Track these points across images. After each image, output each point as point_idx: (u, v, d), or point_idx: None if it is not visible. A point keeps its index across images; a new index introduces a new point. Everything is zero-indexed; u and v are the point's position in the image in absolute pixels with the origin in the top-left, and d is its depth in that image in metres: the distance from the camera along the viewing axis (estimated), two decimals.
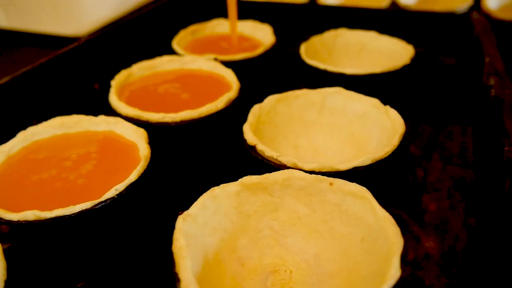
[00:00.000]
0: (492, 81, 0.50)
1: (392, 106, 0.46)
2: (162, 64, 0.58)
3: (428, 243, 0.38)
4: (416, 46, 0.65)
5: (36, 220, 0.34)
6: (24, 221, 0.34)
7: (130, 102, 0.51)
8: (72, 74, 0.65)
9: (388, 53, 0.63)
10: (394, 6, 0.98)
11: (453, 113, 0.57)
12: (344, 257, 0.33)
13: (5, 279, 0.30)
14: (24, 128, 0.45)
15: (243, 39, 0.70)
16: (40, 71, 0.60)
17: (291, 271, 0.34)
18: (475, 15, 0.73)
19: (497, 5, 0.93)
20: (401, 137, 0.41)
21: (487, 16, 0.87)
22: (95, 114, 0.48)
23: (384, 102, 0.48)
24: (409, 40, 0.71)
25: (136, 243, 0.39)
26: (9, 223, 0.35)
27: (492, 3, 0.91)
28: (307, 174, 0.36)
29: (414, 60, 0.58)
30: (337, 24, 0.73)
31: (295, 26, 0.86)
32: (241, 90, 0.53)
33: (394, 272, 0.27)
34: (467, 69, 0.67)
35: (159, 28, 0.81)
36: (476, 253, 0.37)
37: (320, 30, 0.69)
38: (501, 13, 0.88)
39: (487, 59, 0.55)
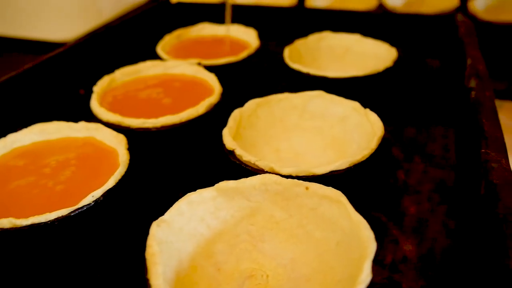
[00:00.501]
0: (472, 83, 0.50)
1: (375, 109, 0.46)
2: (145, 69, 0.58)
3: (406, 246, 0.39)
4: (402, 48, 0.65)
5: (11, 228, 0.34)
6: (0, 228, 0.34)
7: (112, 107, 0.51)
8: (58, 80, 0.64)
9: (373, 56, 0.63)
10: (381, 8, 0.98)
11: (437, 115, 0.58)
12: (320, 261, 0.33)
13: None
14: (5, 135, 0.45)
15: (232, 42, 0.70)
16: (25, 76, 0.59)
17: (267, 276, 0.34)
18: (459, 17, 0.73)
19: (483, 7, 0.93)
20: (380, 140, 0.41)
21: (473, 18, 0.87)
22: (80, 119, 0.48)
23: (368, 104, 0.48)
24: (395, 42, 0.72)
25: (113, 250, 0.39)
26: None
27: (479, 4, 0.92)
28: (284, 179, 0.36)
29: (398, 62, 0.59)
30: (324, 27, 0.73)
31: (284, 30, 0.86)
32: (224, 95, 0.53)
33: (365, 276, 0.27)
34: (451, 71, 0.67)
35: (146, 33, 0.81)
36: (454, 256, 0.37)
37: (308, 33, 0.69)
38: (487, 14, 0.89)
39: (469, 61, 0.55)
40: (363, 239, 0.30)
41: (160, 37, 0.72)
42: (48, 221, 0.34)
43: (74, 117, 0.50)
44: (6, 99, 0.56)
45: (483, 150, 0.38)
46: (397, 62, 0.59)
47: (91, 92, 0.54)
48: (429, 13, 0.91)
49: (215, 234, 0.35)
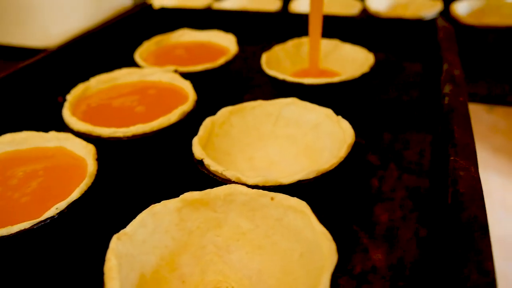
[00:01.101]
0: (447, 89, 0.50)
1: (352, 115, 0.46)
2: (121, 76, 0.58)
3: (376, 255, 0.38)
4: (385, 52, 0.65)
5: None
6: None
7: (85, 116, 0.51)
8: (37, 87, 0.64)
9: (351, 61, 0.63)
10: (365, 13, 0.98)
11: (415, 121, 0.57)
12: (284, 272, 0.33)
13: None
14: None
15: (212, 48, 0.70)
16: (3, 83, 0.59)
17: (232, 287, 0.34)
18: (440, 21, 0.73)
19: (466, 11, 0.93)
20: (350, 148, 0.41)
21: (455, 22, 0.87)
22: (55, 128, 0.48)
23: (345, 110, 0.48)
24: (378, 47, 0.72)
25: (76, 263, 0.39)
26: None
27: (461, 9, 0.92)
28: (250, 189, 0.35)
29: (379, 66, 0.58)
30: (307, 32, 0.73)
31: (267, 35, 0.86)
32: (200, 102, 0.52)
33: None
34: (431, 75, 0.67)
35: (128, 38, 0.81)
36: (424, 266, 0.37)
37: (291, 38, 0.69)
38: (470, 18, 0.89)
39: (445, 66, 0.55)
40: (324, 250, 0.30)
41: (141, 42, 0.71)
42: (11, 234, 0.34)
43: (49, 126, 0.49)
44: None
45: (452, 158, 0.38)
46: (378, 67, 0.58)
47: None
48: (412, 17, 0.91)
49: (180, 246, 0.35)
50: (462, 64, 0.56)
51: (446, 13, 0.94)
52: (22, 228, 0.34)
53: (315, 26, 0.59)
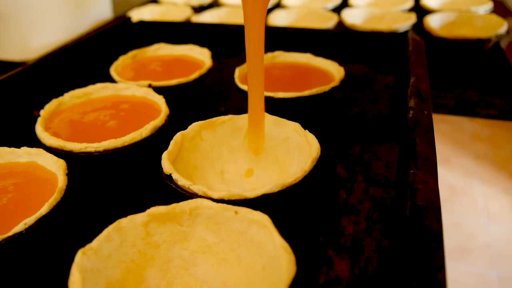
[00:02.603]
0: (412, 103, 0.51)
1: (322, 128, 0.47)
2: (95, 91, 0.59)
3: (339, 266, 0.39)
4: (359, 64, 0.66)
5: None
6: None
7: (58, 131, 0.51)
8: (13, 101, 0.64)
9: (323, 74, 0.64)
10: (341, 26, 1.00)
11: (383, 133, 0.59)
12: (248, 285, 0.34)
13: None
14: None
15: (187, 62, 0.71)
16: None
17: None
18: (410, 34, 0.75)
19: (439, 24, 0.96)
20: (314, 162, 0.42)
21: (428, 34, 0.89)
22: (29, 143, 0.48)
23: (315, 123, 0.49)
24: (353, 59, 0.73)
25: (43, 279, 0.39)
26: None
27: (434, 21, 0.94)
28: (215, 203, 0.36)
29: (352, 79, 0.60)
30: (283, 45, 0.74)
31: (241, 47, 0.87)
32: (173, 117, 0.53)
33: None
34: (400, 88, 0.68)
35: (106, 51, 0.81)
36: (386, 277, 0.38)
37: (266, 51, 0.70)
38: (442, 31, 0.91)
39: (412, 80, 0.57)
40: (283, 263, 0.31)
41: (118, 56, 0.72)
42: None
43: (24, 140, 0.50)
44: None
45: (412, 171, 0.39)
46: (351, 79, 0.59)
47: None
48: (386, 30, 0.93)
49: (146, 260, 0.36)
50: (433, 75, 0.58)
51: (419, 25, 0.96)
52: None
53: (256, 98, 0.47)
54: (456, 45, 0.86)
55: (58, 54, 0.73)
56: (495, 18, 0.94)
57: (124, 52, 0.74)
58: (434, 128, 0.46)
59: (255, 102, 0.46)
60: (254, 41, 0.44)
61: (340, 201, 0.47)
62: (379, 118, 0.62)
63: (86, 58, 0.78)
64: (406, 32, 0.78)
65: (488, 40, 0.86)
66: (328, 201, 0.47)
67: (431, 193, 0.37)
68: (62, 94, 0.57)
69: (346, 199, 0.47)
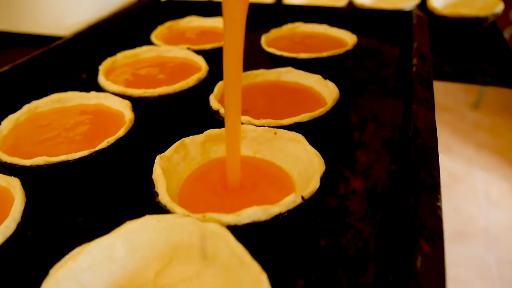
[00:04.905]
0: (415, 61, 0.60)
1: (336, 82, 0.56)
2: (142, 53, 0.68)
3: (355, 183, 0.49)
4: (368, 38, 0.75)
5: (46, 165, 0.44)
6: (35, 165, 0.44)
7: (116, 82, 0.61)
8: (64, 66, 0.74)
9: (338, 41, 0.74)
10: (351, 5, 1.09)
11: (391, 90, 0.68)
12: None
13: None
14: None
15: (217, 32, 0.80)
16: (36, 61, 0.69)
17: None
18: (415, 11, 0.84)
19: (441, 4, 1.05)
20: (335, 101, 0.51)
21: (431, 13, 0.98)
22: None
23: (331, 79, 0.58)
24: (362, 33, 0.82)
25: (127, 184, 0.49)
26: None
27: (436, 2, 1.03)
28: (258, 127, 0.46)
29: (363, 49, 0.69)
30: (300, 20, 0.84)
31: (263, 23, 0.96)
32: (210, 72, 0.63)
33: (314, 183, 0.37)
34: (406, 55, 0.78)
35: (137, 28, 0.91)
36: (393, 190, 0.48)
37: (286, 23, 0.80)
38: (445, 10, 1.00)
39: (415, 45, 0.66)
40: (316, 163, 0.40)
41: (151, 30, 0.81)
42: (74, 159, 0.44)
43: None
44: (20, 80, 0.66)
45: (414, 106, 0.49)
46: (361, 50, 0.68)
47: (92, 75, 0.63)
48: (393, 8, 1.02)
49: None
50: (436, 49, 0.67)
51: (423, 5, 1.05)
52: (81, 155, 0.44)
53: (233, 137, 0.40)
54: (457, 23, 0.96)
55: (97, 27, 0.82)
56: None
57: (157, 25, 0.84)
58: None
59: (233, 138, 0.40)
60: (233, 53, 0.39)
61: (354, 139, 0.57)
62: (387, 79, 0.72)
63: (123, 31, 0.87)
64: (411, 11, 0.87)
65: (485, 19, 0.96)
66: (344, 139, 0.57)
67: (430, 121, 0.46)
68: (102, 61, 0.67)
69: (360, 138, 0.57)
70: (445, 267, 0.31)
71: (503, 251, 1.49)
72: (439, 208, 0.35)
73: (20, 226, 0.37)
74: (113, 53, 0.70)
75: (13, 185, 0.41)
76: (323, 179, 0.39)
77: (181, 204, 0.39)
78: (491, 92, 2.44)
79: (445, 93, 2.49)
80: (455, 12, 0.98)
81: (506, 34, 2.18)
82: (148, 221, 0.34)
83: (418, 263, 0.30)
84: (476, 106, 2.35)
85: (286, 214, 0.35)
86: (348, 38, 0.72)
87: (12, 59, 0.69)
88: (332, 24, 0.82)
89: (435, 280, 0.29)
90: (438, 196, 0.37)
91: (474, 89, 2.47)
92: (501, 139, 2.12)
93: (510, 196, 1.74)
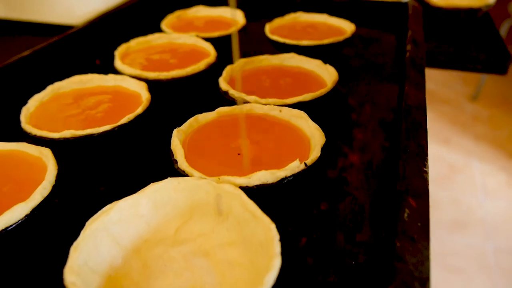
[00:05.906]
0: (408, 47, 0.65)
1: (335, 68, 0.61)
2: (154, 39, 0.73)
3: (353, 157, 0.54)
4: (366, 28, 0.79)
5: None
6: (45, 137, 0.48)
7: (130, 66, 0.65)
8: (78, 53, 0.78)
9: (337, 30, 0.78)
10: None
11: (386, 76, 0.73)
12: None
13: None
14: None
15: (223, 21, 0.85)
16: (51, 49, 0.73)
17: None
18: (411, 2, 0.88)
19: None
20: (334, 83, 0.56)
21: (426, 5, 1.03)
22: None
23: (330, 63, 0.63)
24: (361, 23, 0.87)
25: (147, 157, 0.54)
26: None
27: None
28: (264, 106, 0.51)
29: (361, 38, 0.73)
30: (302, 10, 0.89)
31: (266, 13, 1.01)
32: (218, 57, 0.67)
33: (316, 152, 0.42)
34: (401, 43, 0.82)
35: (148, 16, 0.95)
36: (387, 163, 0.52)
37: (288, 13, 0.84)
38: (439, 1, 1.04)
39: (409, 33, 0.71)
40: (316, 135, 0.45)
41: (159, 20, 0.86)
42: (98, 132, 0.48)
43: None
44: (34, 68, 0.70)
45: (406, 88, 0.53)
46: (360, 38, 0.73)
47: (106, 62, 0.68)
48: (392, 0, 1.06)
49: None
50: (430, 38, 0.72)
51: None
52: (105, 129, 0.49)
53: None
54: (451, 13, 1.00)
55: (111, 15, 0.87)
56: None
57: (165, 15, 0.88)
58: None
59: None
60: None
61: (352, 120, 0.61)
62: (383, 66, 0.76)
63: (136, 17, 0.92)
64: (407, 2, 0.92)
65: (478, 10, 1.00)
66: (343, 120, 0.61)
67: (419, 100, 0.51)
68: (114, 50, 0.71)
69: (357, 118, 0.61)
70: (429, 221, 0.36)
71: (501, 241, 1.52)
72: (426, 172, 0.40)
73: (54, 189, 0.42)
74: (124, 40, 0.75)
75: (45, 154, 0.46)
76: (324, 149, 0.44)
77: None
78: (490, 84, 2.48)
79: (444, 85, 2.53)
80: (450, 3, 1.02)
81: (505, 27, 2.22)
82: (170, 182, 0.39)
83: (405, 215, 0.35)
84: (474, 98, 2.39)
85: (291, 177, 0.40)
86: (347, 27, 0.76)
87: (24, 48, 0.73)
88: (332, 14, 0.86)
89: (420, 229, 0.34)
90: (425, 162, 0.41)
91: (472, 81, 2.51)
92: (499, 130, 2.15)
93: (508, 187, 1.77)
